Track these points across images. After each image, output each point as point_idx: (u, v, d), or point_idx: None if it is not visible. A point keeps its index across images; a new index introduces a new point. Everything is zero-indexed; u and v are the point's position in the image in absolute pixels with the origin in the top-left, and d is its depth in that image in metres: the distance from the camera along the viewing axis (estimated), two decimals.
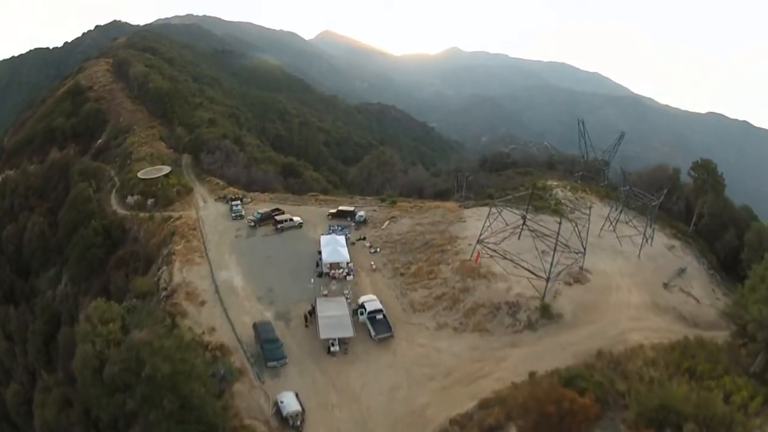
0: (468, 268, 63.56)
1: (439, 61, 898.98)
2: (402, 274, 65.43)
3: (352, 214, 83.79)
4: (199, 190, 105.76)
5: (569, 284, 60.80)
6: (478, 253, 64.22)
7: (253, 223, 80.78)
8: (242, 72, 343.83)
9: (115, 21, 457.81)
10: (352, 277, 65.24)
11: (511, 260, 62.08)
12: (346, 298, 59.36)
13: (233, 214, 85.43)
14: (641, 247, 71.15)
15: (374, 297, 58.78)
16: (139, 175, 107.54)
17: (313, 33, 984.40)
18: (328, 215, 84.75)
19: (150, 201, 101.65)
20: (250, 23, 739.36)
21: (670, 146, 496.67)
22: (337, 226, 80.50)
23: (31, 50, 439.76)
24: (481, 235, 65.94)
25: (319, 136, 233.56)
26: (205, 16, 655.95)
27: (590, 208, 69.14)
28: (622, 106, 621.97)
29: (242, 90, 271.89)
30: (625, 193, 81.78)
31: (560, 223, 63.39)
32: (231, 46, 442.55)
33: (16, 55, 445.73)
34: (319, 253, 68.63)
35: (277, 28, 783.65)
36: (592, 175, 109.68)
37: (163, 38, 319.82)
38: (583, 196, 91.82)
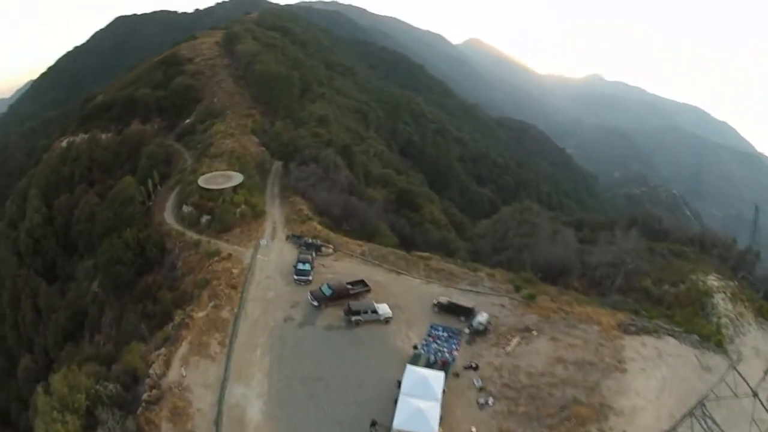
0: None
1: (579, 86, 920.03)
2: None
3: (468, 312, 59.49)
4: (274, 215, 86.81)
5: None
6: None
7: (317, 302, 58.53)
8: (382, 65, 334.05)
9: None
10: None
11: None
12: None
13: (296, 277, 64.07)
14: None
15: None
16: (200, 182, 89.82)
17: (460, 38, 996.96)
18: (435, 305, 60.93)
19: (205, 219, 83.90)
20: (396, 19, 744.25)
21: None
22: (442, 330, 56.93)
23: (156, 11, 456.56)
24: None
25: (454, 148, 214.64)
26: (350, 5, 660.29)
27: None
28: (745, 163, 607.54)
29: (378, 85, 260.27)
30: None
31: None
32: (373, 38, 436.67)
33: (138, 13, 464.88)
34: (399, 385, 45.60)
35: (424, 28, 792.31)
36: (746, 271, 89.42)
37: (299, 19, 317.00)
38: (741, 312, 66.51)
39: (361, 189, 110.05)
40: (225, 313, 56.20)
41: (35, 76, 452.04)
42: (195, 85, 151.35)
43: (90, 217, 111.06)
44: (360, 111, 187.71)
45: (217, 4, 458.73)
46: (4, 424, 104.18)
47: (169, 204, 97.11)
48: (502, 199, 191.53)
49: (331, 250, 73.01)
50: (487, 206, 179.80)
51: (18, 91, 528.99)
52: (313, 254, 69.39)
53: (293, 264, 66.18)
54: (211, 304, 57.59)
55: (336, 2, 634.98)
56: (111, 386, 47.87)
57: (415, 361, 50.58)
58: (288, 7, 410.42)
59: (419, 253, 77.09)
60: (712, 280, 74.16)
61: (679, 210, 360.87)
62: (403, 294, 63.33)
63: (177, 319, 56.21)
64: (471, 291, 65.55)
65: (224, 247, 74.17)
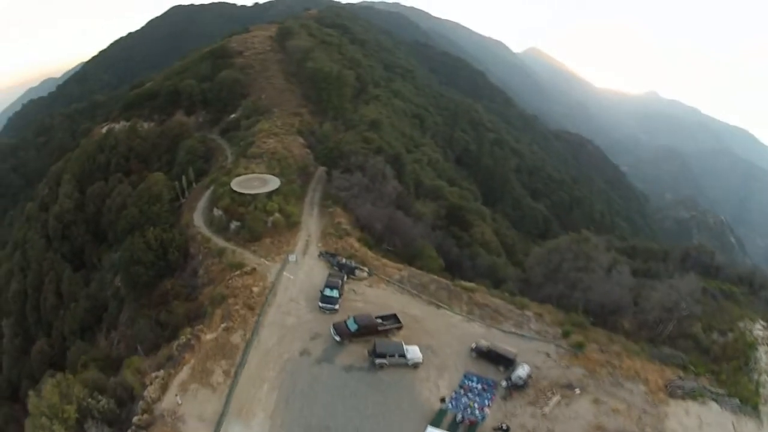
0: None
1: (635, 102, 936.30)
2: None
3: (509, 362, 54.29)
4: (310, 227, 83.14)
5: None
6: None
7: (339, 337, 54.07)
8: (443, 70, 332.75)
9: None
10: None
11: None
12: None
13: (321, 304, 59.77)
14: None
15: None
16: (233, 184, 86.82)
17: (521, 47, 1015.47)
18: (473, 350, 55.92)
19: (234, 225, 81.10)
20: (458, 24, 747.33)
21: None
22: (477, 381, 52.10)
23: (214, 2, 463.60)
24: None
25: (511, 159, 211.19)
26: (412, 7, 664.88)
27: None
28: None
29: (437, 89, 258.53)
30: None
31: None
32: (435, 41, 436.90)
33: (195, 3, 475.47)
34: None
35: (485, 35, 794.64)
36: None
37: (360, 19, 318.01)
38: None
39: (409, 202, 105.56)
40: (236, 338, 52.83)
41: (86, 58, 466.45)
42: (242, 80, 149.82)
43: (121, 208, 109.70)
44: (417, 116, 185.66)
45: None
46: (13, 399, 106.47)
47: (201, 204, 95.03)
48: (555, 215, 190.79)
49: (365, 274, 68.69)
50: (540, 223, 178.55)
51: (67, 72, 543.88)
52: (345, 278, 65.20)
53: (320, 288, 62.01)
54: (222, 326, 54.38)
55: (398, 3, 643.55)
56: (104, 401, 46.53)
57: (438, 420, 46.13)
58: (349, 6, 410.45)
59: (464, 283, 72.27)
60: (758, 330, 72.18)
61: (725, 237, 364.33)
62: (440, 333, 58.75)
63: (182, 338, 53.26)
64: (515, 334, 60.89)
65: (249, 259, 71.19)
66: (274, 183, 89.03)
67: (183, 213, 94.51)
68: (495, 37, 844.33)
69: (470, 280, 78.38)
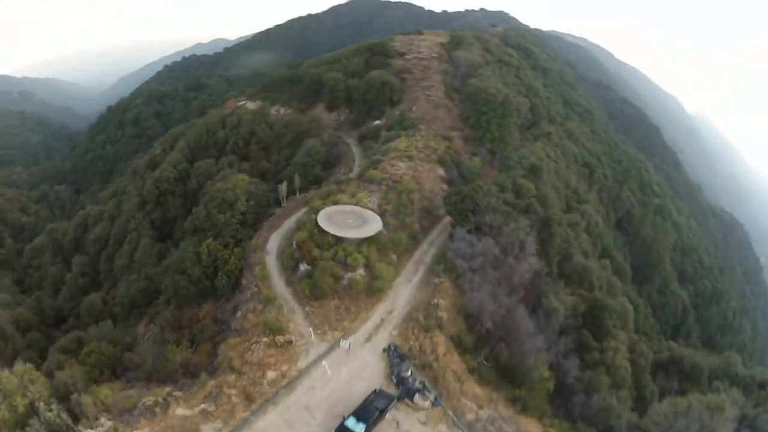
0: None
1: None
2: None
3: None
4: (398, 299, 64.25)
5: None
6: None
7: None
8: (620, 117, 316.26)
9: (502, 11, 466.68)
10: None
11: None
12: None
13: None
14: None
15: None
16: (320, 216, 70.18)
17: (694, 108, 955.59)
18: None
19: (303, 268, 65.19)
20: (637, 70, 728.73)
21: None
22: None
23: (401, 1, 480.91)
24: None
25: (670, 234, 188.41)
26: (598, 45, 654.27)
27: None
28: None
29: (613, 137, 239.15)
30: None
31: None
32: (616, 84, 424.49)
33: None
34: None
35: (663, 87, 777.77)
36: None
37: (546, 46, 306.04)
38: None
39: (544, 289, 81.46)
40: (207, 429, 42.07)
41: (262, 29, 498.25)
42: (394, 84, 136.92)
43: None
44: (587, 164, 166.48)
45: (466, 10, 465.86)
46: (54, 327, 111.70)
47: (288, 223, 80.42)
48: (694, 306, 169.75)
49: (428, 403, 48.40)
50: (679, 314, 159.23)
51: (240, 38, 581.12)
52: (393, 402, 46.57)
53: (345, 413, 44.16)
54: (201, 407, 44.09)
55: (585, 38, 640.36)
56: (55, 412, 44.00)
57: None
58: (537, 31, 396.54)
59: None
60: None
61: None
62: None
63: (152, 398, 45.22)
64: None
65: (296, 323, 56.22)
66: (374, 225, 71.46)
67: (263, 228, 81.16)
68: (671, 92, 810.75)
69: (574, 421, 62.62)
